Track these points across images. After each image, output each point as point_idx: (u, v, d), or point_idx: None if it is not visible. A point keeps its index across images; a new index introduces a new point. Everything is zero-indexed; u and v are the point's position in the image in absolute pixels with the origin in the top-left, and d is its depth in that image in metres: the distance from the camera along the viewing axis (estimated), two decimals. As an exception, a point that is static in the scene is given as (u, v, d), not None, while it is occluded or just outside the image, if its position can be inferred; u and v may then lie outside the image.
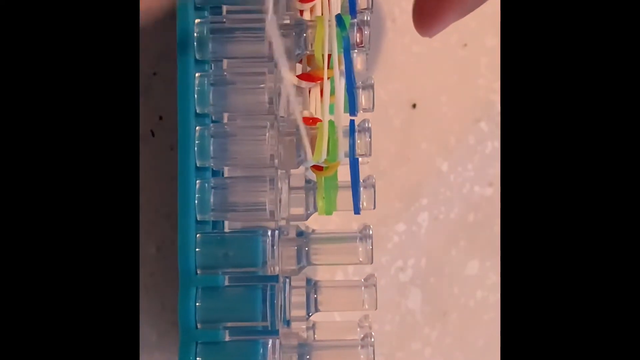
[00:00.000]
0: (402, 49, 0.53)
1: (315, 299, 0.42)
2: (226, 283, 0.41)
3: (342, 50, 0.40)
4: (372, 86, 0.42)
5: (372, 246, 0.42)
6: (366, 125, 0.41)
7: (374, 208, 0.42)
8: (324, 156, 0.40)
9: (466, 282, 0.54)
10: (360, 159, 0.41)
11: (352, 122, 0.41)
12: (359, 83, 0.42)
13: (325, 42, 0.40)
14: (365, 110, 0.42)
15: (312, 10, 0.42)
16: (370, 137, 0.41)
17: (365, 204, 0.42)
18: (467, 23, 0.51)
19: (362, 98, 0.42)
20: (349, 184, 0.41)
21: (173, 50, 0.39)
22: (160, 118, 0.51)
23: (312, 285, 0.42)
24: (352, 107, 0.41)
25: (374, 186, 0.42)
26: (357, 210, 0.42)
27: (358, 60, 0.43)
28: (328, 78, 0.41)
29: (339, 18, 0.40)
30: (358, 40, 0.41)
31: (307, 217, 0.42)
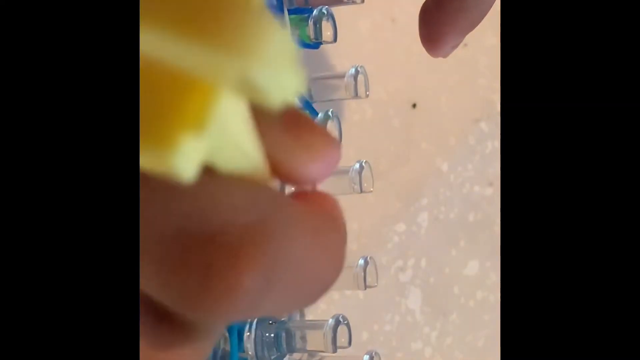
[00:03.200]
0: (402, 49, 0.53)
1: (287, 340, 0.41)
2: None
3: None
4: (331, 118, 0.41)
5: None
6: None
7: (335, 40, 0.40)
8: None
9: (466, 282, 0.54)
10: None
11: None
12: (320, 115, 0.41)
13: None
14: None
15: None
16: None
17: (328, 32, 0.40)
18: (467, 23, 0.50)
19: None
20: None
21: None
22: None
23: (281, 325, 0.41)
24: None
25: None
26: (302, 44, 0.40)
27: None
28: None
29: None
30: None
31: None
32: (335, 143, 0.22)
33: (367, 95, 0.43)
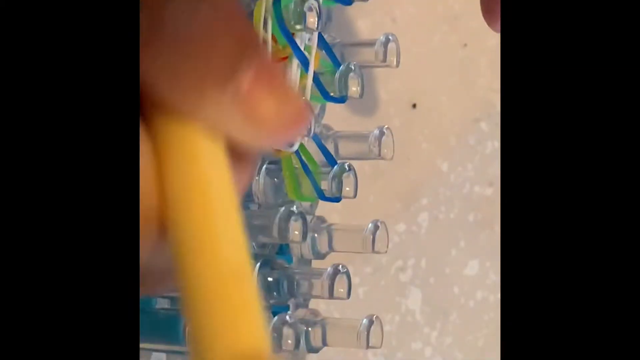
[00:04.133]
0: (402, 49, 0.53)
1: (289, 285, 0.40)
2: (166, 305, 0.40)
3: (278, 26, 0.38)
4: (354, 70, 0.40)
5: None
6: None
7: (354, 196, 0.40)
8: None
9: (466, 282, 0.54)
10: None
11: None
12: (344, 67, 0.40)
13: (261, 15, 0.38)
14: (352, 97, 0.40)
15: None
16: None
17: (347, 188, 0.40)
18: (467, 23, 0.50)
19: (350, 84, 0.40)
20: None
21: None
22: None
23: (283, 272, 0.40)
24: (322, 92, 0.39)
25: (351, 170, 0.40)
26: (320, 196, 0.40)
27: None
28: (284, 58, 0.39)
29: None
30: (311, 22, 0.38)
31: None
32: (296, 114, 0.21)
33: (397, 65, 0.42)
